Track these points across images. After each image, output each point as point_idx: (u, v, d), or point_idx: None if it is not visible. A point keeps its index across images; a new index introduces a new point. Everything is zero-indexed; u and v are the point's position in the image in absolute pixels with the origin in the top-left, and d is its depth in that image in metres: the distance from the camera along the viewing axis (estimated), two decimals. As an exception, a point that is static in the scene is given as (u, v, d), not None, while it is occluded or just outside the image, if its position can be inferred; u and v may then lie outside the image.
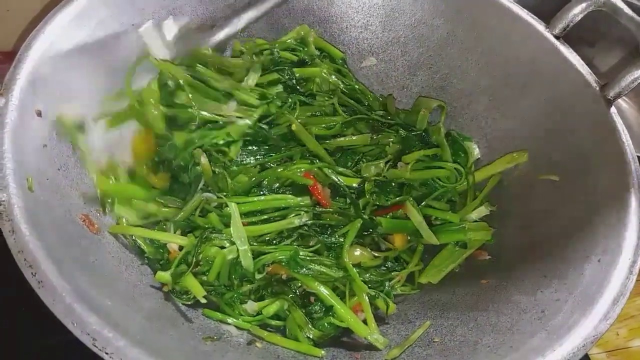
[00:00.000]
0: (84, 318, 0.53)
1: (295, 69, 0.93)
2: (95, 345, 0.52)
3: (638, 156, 0.79)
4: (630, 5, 0.90)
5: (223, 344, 0.68)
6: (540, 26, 0.90)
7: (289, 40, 0.98)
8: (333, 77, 0.97)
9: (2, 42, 1.00)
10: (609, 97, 0.82)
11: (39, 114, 0.68)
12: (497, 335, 0.69)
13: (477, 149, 0.96)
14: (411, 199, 0.87)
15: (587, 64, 0.87)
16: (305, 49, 0.97)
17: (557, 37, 0.88)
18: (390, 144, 0.93)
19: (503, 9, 0.93)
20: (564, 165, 0.84)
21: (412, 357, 0.71)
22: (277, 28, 1.00)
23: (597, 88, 0.83)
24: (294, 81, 0.92)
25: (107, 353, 0.52)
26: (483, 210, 0.90)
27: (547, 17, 0.90)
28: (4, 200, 0.58)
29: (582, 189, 0.79)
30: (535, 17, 0.91)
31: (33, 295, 0.54)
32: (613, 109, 0.82)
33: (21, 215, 0.57)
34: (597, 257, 0.70)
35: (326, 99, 0.94)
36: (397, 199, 0.88)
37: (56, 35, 0.73)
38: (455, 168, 0.92)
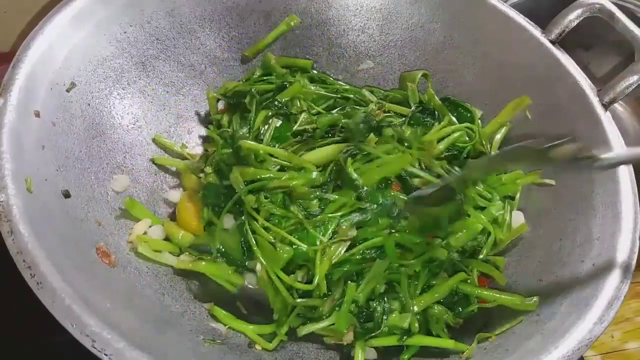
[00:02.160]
0: (83, 319, 0.53)
1: (277, 96, 0.90)
2: (94, 347, 0.52)
3: (632, 159, 0.80)
4: (625, 10, 0.91)
5: (222, 346, 0.68)
6: (536, 31, 0.90)
7: (255, 75, 0.97)
8: (312, 87, 0.96)
9: (0, 44, 1.00)
10: (604, 103, 0.83)
11: (37, 114, 0.68)
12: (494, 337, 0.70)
13: (478, 109, 0.97)
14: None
15: (583, 69, 0.87)
16: (275, 74, 0.96)
17: (553, 42, 0.89)
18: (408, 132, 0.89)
19: (499, 13, 0.93)
20: (560, 169, 0.84)
21: (409, 359, 0.71)
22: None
23: (593, 93, 0.84)
24: (285, 109, 0.89)
25: (106, 354, 0.52)
26: None
27: (544, 22, 0.91)
28: (2, 201, 0.58)
29: (578, 193, 0.80)
30: (531, 22, 0.92)
31: (32, 296, 0.54)
32: (608, 114, 0.82)
33: (20, 216, 0.58)
34: (592, 261, 0.71)
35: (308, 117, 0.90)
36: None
37: (55, 36, 0.74)
38: (466, 127, 0.93)
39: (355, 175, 0.78)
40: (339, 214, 0.76)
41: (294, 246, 0.73)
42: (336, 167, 0.81)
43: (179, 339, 0.63)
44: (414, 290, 0.76)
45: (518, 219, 0.86)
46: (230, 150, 0.81)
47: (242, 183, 0.76)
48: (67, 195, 0.69)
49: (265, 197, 0.76)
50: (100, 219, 0.73)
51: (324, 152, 0.83)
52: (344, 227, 0.75)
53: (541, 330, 0.65)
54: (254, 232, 0.75)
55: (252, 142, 0.80)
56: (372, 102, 0.97)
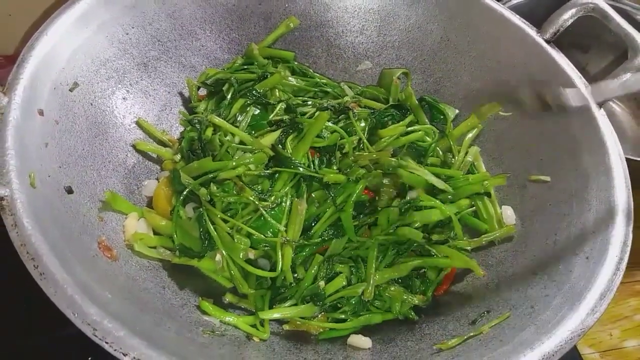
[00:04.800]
0: (84, 309, 0.54)
1: (257, 85, 0.91)
2: (95, 335, 0.53)
3: (630, 159, 0.81)
4: (622, 12, 0.92)
5: (221, 337, 0.69)
6: (531, 31, 0.92)
7: (236, 64, 0.98)
8: (292, 79, 0.97)
9: (4, 46, 1.02)
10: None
11: (41, 113, 0.70)
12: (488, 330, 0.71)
13: (455, 109, 1.00)
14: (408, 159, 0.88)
15: (579, 70, 0.89)
16: (256, 63, 0.97)
17: (547, 42, 0.90)
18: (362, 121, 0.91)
19: (495, 14, 0.95)
20: (555, 166, 0.85)
21: (406, 351, 0.72)
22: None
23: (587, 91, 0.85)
24: (263, 98, 0.90)
25: (107, 342, 0.53)
26: (474, 150, 0.95)
27: (540, 23, 0.92)
28: (6, 196, 0.59)
29: (572, 189, 0.81)
30: (526, 22, 0.93)
31: (33, 291, 0.55)
32: (602, 112, 0.83)
33: (24, 210, 0.59)
34: (585, 254, 0.72)
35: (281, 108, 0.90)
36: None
37: (58, 37, 0.76)
38: (431, 128, 0.96)
39: (287, 153, 0.82)
40: (286, 188, 0.80)
41: (252, 236, 0.76)
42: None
43: (178, 329, 0.64)
44: (380, 265, 0.80)
45: (508, 212, 0.87)
46: (196, 135, 0.84)
47: (190, 179, 0.78)
48: (69, 191, 0.70)
49: (217, 187, 0.78)
50: (103, 214, 0.74)
51: (274, 135, 0.85)
52: (299, 206, 0.77)
53: (535, 321, 0.66)
54: (212, 222, 0.76)
55: (219, 119, 0.84)
56: (347, 95, 0.98)
